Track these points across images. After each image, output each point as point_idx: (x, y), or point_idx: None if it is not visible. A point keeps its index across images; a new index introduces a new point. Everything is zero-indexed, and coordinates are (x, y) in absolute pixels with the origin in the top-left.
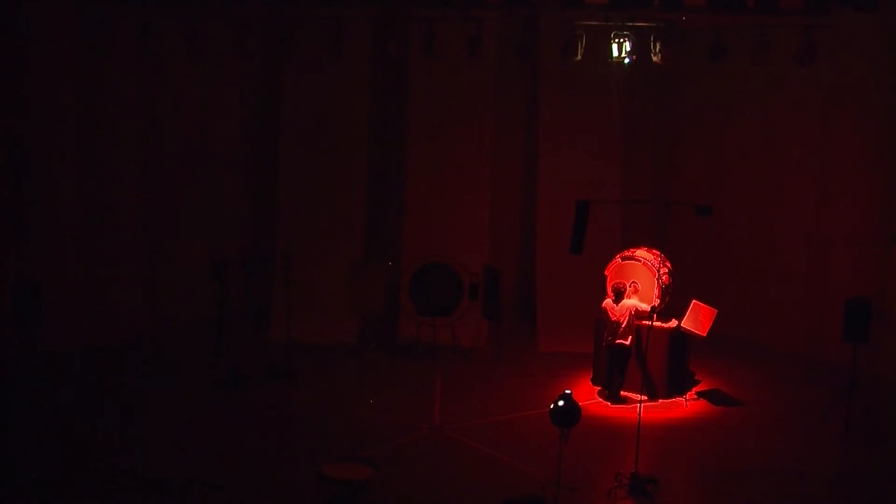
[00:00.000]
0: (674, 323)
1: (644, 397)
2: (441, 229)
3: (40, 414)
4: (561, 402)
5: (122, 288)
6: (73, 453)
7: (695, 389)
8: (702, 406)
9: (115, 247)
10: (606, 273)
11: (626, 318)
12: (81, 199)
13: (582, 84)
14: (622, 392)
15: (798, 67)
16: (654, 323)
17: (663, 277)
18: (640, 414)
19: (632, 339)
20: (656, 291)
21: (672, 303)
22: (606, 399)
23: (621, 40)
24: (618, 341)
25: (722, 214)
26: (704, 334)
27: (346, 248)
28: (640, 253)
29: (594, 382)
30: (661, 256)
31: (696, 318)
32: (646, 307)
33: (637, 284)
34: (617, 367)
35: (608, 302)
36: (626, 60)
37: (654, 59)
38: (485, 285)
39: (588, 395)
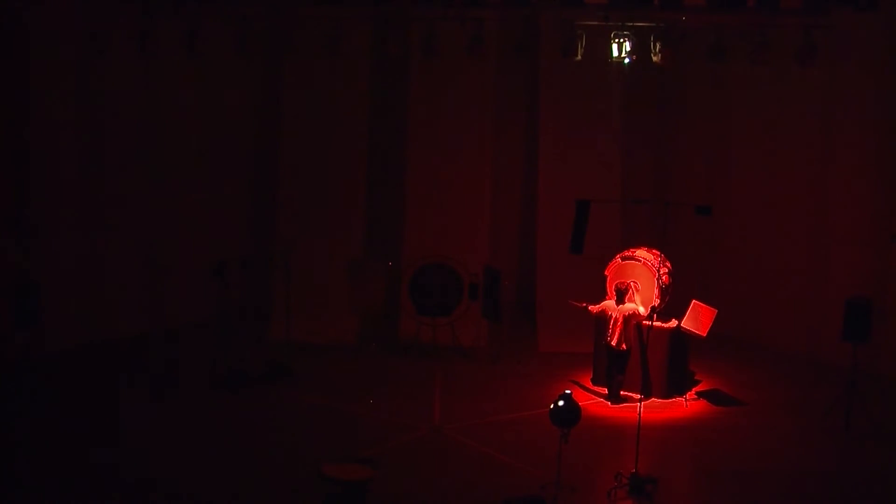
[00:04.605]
0: (674, 323)
1: (641, 396)
2: (441, 229)
3: (40, 414)
4: (561, 402)
5: (122, 288)
6: (72, 454)
7: (695, 389)
8: (702, 406)
9: (115, 247)
10: (606, 273)
11: (622, 321)
12: (81, 198)
13: (582, 84)
14: (622, 392)
15: (798, 67)
16: (654, 323)
17: (663, 277)
18: (640, 414)
19: (629, 342)
20: (656, 291)
21: (672, 303)
22: (606, 399)
23: (621, 40)
24: (615, 346)
25: (722, 214)
26: (704, 334)
27: (346, 248)
28: (640, 253)
29: (594, 382)
30: (661, 256)
31: (696, 318)
32: (644, 312)
33: (637, 284)
34: (617, 368)
35: (608, 303)
36: (626, 60)
37: (654, 59)
38: (485, 285)
39: (588, 396)
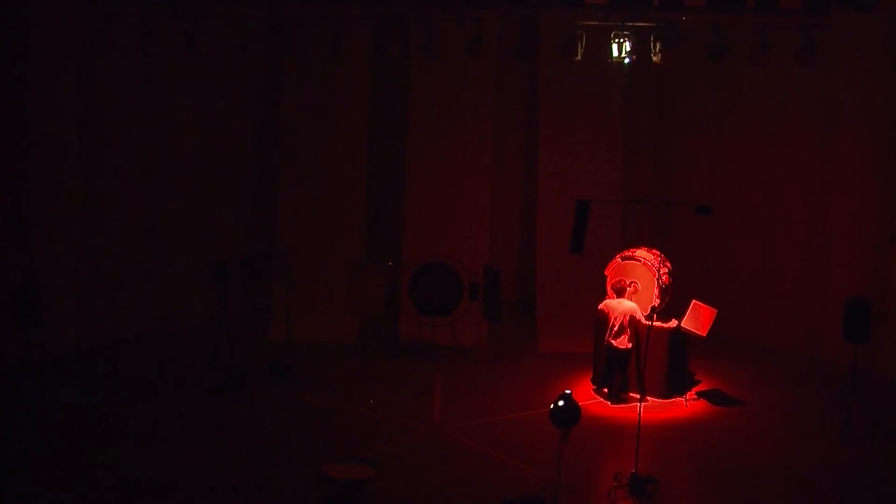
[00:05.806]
0: (674, 323)
1: (646, 398)
2: (441, 229)
3: (40, 415)
4: (561, 402)
5: (122, 288)
6: (73, 455)
7: (695, 389)
8: (702, 406)
9: (115, 247)
10: (606, 273)
11: (624, 321)
12: (81, 199)
13: (582, 84)
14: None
15: (798, 67)
16: (654, 323)
17: (663, 277)
18: (640, 414)
19: (631, 341)
20: (656, 291)
21: (672, 303)
22: (606, 399)
23: (621, 40)
24: (618, 346)
25: (722, 214)
26: (704, 334)
27: (346, 248)
28: (640, 253)
29: (594, 382)
30: (661, 256)
31: (696, 318)
32: (644, 312)
33: (637, 284)
34: (617, 367)
35: (609, 302)
36: (626, 60)
37: (654, 59)
38: (485, 285)
39: (588, 395)
